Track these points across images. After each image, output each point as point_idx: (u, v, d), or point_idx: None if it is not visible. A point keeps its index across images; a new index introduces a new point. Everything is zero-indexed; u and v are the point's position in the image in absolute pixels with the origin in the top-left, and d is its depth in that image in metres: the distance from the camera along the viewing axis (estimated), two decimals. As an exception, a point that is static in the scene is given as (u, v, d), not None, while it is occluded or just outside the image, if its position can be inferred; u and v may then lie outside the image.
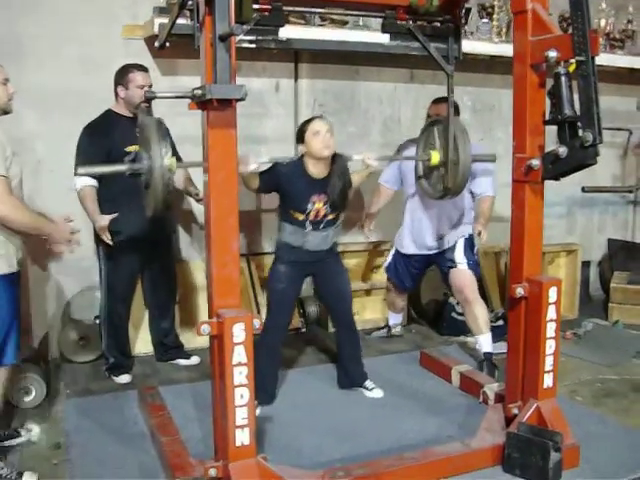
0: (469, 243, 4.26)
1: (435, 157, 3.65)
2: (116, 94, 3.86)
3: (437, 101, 4.24)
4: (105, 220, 3.72)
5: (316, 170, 3.55)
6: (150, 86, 3.80)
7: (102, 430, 3.29)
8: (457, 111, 3.96)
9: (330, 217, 3.61)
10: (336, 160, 3.59)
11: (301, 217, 3.56)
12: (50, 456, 3.07)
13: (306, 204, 3.54)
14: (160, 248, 4.11)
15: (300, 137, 3.56)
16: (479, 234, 4.09)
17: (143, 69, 3.85)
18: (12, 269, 2.85)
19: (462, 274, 4.20)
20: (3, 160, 2.73)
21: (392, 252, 4.64)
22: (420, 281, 4.96)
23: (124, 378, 3.99)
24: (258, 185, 3.48)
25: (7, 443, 3.15)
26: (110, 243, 3.74)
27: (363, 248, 5.14)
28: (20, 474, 2.85)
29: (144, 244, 3.95)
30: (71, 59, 4.24)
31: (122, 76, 3.82)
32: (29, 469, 2.93)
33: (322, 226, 3.60)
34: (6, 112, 2.95)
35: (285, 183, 3.53)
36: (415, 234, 4.37)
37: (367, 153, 3.73)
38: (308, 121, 3.59)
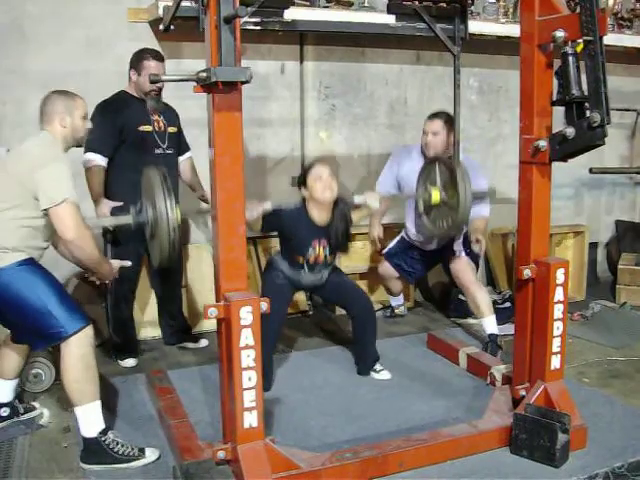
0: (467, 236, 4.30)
1: (436, 195, 3.68)
2: (129, 76, 3.87)
3: (432, 117, 4.23)
4: (108, 208, 3.73)
5: (318, 215, 3.61)
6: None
7: (111, 413, 3.31)
8: (452, 124, 3.97)
9: (329, 260, 3.71)
10: (338, 204, 3.63)
11: (300, 260, 3.65)
12: (60, 439, 3.09)
13: (307, 249, 3.63)
14: None
15: (302, 181, 3.61)
16: (477, 241, 4.11)
17: (159, 58, 3.82)
18: (28, 256, 2.87)
19: (459, 261, 4.26)
20: (73, 187, 2.79)
21: (397, 238, 4.67)
22: (423, 274, 4.96)
23: (130, 362, 4.01)
24: (261, 226, 3.55)
25: (25, 417, 3.21)
26: (110, 228, 3.75)
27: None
28: (142, 450, 2.90)
29: None
30: (75, 41, 4.23)
31: (137, 61, 3.81)
32: (39, 453, 2.96)
33: (319, 268, 3.71)
34: (79, 145, 3.10)
35: (287, 227, 3.60)
36: (416, 234, 4.41)
37: (369, 193, 3.75)
38: (310, 166, 3.63)
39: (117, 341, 4.03)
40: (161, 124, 3.91)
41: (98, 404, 2.88)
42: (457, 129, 3.64)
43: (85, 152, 3.67)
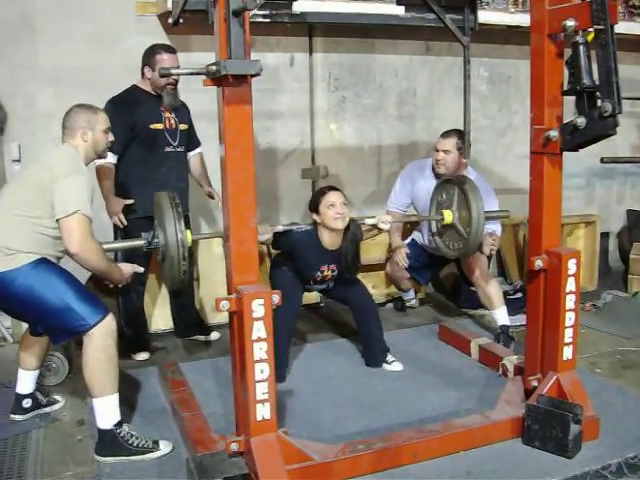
0: None
1: (449, 217, 3.73)
2: (142, 72, 3.85)
3: (445, 135, 4.23)
4: (119, 205, 3.74)
5: (330, 241, 3.62)
6: (177, 68, 3.78)
7: (124, 406, 3.30)
8: (463, 144, 3.97)
9: (335, 276, 3.78)
10: (349, 226, 3.62)
11: (307, 278, 3.72)
12: (74, 432, 3.11)
13: (315, 272, 3.68)
14: None
15: (314, 207, 3.60)
16: (489, 236, 4.09)
17: (171, 51, 3.81)
18: (40, 256, 2.88)
19: (471, 256, 4.19)
20: (89, 200, 2.83)
21: (409, 239, 4.66)
22: (434, 275, 4.95)
23: (142, 355, 4.02)
24: (272, 242, 3.56)
25: (48, 409, 3.26)
26: (121, 226, 3.78)
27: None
28: (156, 442, 2.93)
29: None
30: (84, 36, 4.24)
31: (149, 57, 3.79)
32: (54, 445, 2.98)
33: (326, 283, 3.82)
34: (100, 157, 3.17)
35: (298, 250, 3.62)
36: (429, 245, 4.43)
37: (381, 216, 3.76)
38: (322, 192, 3.61)
39: (129, 334, 4.04)
40: (172, 122, 3.90)
41: (116, 396, 2.90)
42: (467, 120, 3.63)
43: None
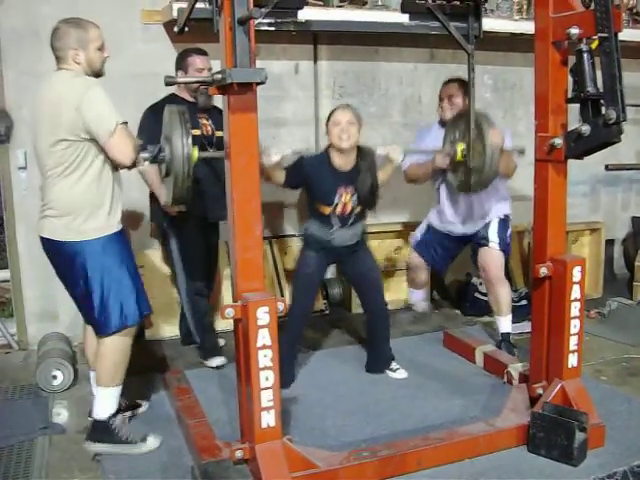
0: (504, 224, 4.17)
1: (461, 149, 3.67)
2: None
3: (447, 82, 4.19)
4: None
5: (341, 162, 3.54)
6: (210, 69, 3.77)
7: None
8: (465, 89, 3.93)
9: (357, 211, 3.59)
10: (363, 154, 3.56)
11: (328, 210, 3.54)
12: (79, 439, 3.09)
13: (333, 196, 3.52)
14: (215, 230, 4.14)
15: (326, 126, 3.56)
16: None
17: (202, 53, 3.85)
18: (117, 228, 2.92)
19: (491, 253, 4.10)
20: (114, 106, 2.75)
21: (424, 227, 4.46)
22: (452, 261, 4.70)
23: (217, 361, 3.97)
24: (284, 179, 3.48)
25: (129, 413, 3.25)
26: (180, 211, 3.75)
27: (387, 229, 5.14)
28: (144, 438, 3.01)
29: (208, 223, 4.00)
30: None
31: (181, 60, 3.84)
32: (59, 452, 3.00)
33: (350, 222, 3.59)
34: (99, 75, 2.95)
35: (311, 175, 3.52)
36: (449, 218, 4.27)
37: (391, 146, 3.67)
38: (332, 111, 3.57)
39: (198, 339, 4.05)
40: (209, 128, 3.92)
41: (120, 388, 2.99)
42: (472, 127, 3.63)
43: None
